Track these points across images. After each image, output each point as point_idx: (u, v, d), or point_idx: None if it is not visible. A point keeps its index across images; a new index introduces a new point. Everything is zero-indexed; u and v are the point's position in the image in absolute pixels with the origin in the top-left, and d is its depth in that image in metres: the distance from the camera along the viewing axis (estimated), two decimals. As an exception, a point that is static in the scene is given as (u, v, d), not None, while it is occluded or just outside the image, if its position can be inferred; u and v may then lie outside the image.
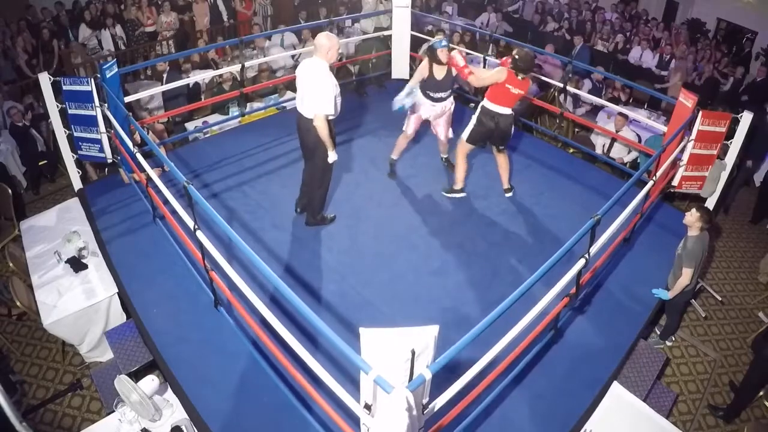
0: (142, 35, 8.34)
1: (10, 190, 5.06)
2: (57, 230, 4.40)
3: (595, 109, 7.02)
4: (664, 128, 5.19)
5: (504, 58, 4.43)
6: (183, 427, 2.94)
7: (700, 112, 4.34)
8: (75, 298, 3.83)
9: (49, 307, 3.75)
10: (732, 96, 7.62)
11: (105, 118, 4.53)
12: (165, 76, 6.53)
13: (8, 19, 7.74)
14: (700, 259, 3.71)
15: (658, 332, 4.39)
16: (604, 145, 6.09)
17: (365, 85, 6.91)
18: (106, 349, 3.90)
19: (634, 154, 6.00)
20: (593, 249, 3.12)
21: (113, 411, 3.04)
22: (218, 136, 5.94)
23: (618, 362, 3.46)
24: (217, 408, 3.09)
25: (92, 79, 4.38)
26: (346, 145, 5.50)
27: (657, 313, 4.04)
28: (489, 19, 9.91)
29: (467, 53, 6.85)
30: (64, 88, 4.46)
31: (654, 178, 4.08)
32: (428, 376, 2.00)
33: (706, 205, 4.19)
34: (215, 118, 6.33)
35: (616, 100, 6.86)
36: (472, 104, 5.81)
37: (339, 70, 6.61)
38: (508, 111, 4.36)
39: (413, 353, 1.91)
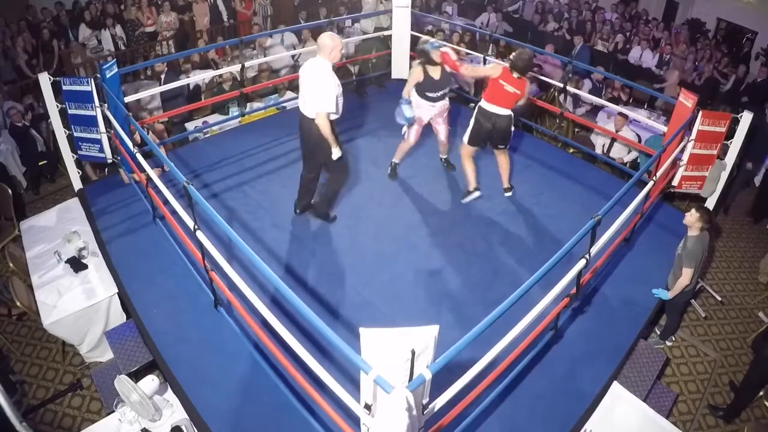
0: (142, 35, 8.34)
1: (10, 190, 5.06)
2: (57, 230, 4.39)
3: (595, 109, 7.02)
4: (664, 128, 5.19)
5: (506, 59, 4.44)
6: (183, 427, 2.94)
7: (700, 112, 4.34)
8: (75, 298, 3.83)
9: (49, 307, 3.75)
10: (732, 96, 7.62)
11: (105, 118, 4.53)
12: (163, 76, 6.53)
13: (8, 19, 7.74)
14: (700, 259, 3.71)
15: (658, 332, 4.39)
16: (604, 145, 6.09)
17: (365, 85, 6.91)
18: (106, 349, 3.90)
19: (634, 154, 6.00)
20: (594, 249, 3.12)
21: (113, 411, 3.04)
22: (218, 136, 5.94)
23: (618, 362, 3.46)
24: (217, 408, 3.10)
25: (92, 79, 4.38)
26: (346, 145, 5.48)
27: (657, 313, 4.04)
28: (489, 19, 9.91)
29: (467, 53, 6.87)
30: (64, 88, 4.46)
31: (654, 178, 4.08)
32: (428, 376, 2.00)
33: (706, 205, 4.19)
34: (215, 118, 6.33)
35: (616, 100, 6.86)
36: (472, 104, 5.81)
37: (339, 70, 6.59)
38: (505, 111, 4.33)
39: (413, 353, 1.91)
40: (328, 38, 3.75)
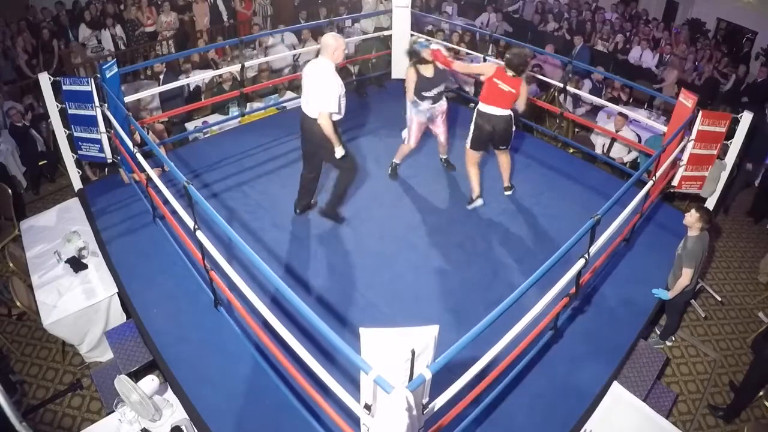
0: (142, 35, 8.34)
1: (10, 190, 5.07)
2: (57, 230, 4.39)
3: (595, 109, 7.02)
4: (664, 128, 5.19)
5: None
6: (183, 427, 2.94)
7: (700, 112, 4.34)
8: (75, 298, 3.83)
9: (49, 307, 3.75)
10: (732, 96, 7.62)
11: (105, 118, 4.53)
12: (162, 77, 6.53)
13: (8, 19, 7.74)
14: (700, 259, 3.71)
15: (658, 332, 4.39)
16: (603, 145, 6.09)
17: (365, 85, 6.91)
18: (106, 349, 3.90)
19: (634, 154, 6.00)
20: (593, 249, 3.12)
21: (113, 411, 3.04)
22: (218, 136, 5.94)
23: (618, 362, 3.46)
24: (217, 408, 3.10)
25: (92, 79, 4.38)
26: (347, 145, 5.48)
27: (657, 313, 4.04)
28: (489, 19, 9.91)
29: (467, 53, 6.87)
30: (64, 88, 4.46)
31: (654, 178, 4.07)
32: (428, 376, 2.00)
33: (706, 205, 4.19)
34: (215, 118, 6.34)
35: (616, 100, 6.86)
36: (472, 104, 5.81)
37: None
38: (503, 112, 4.29)
39: (413, 353, 1.91)
40: (331, 38, 3.76)
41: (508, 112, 4.31)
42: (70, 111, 4.56)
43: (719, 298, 4.91)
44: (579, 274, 3.15)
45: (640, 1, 10.89)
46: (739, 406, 3.89)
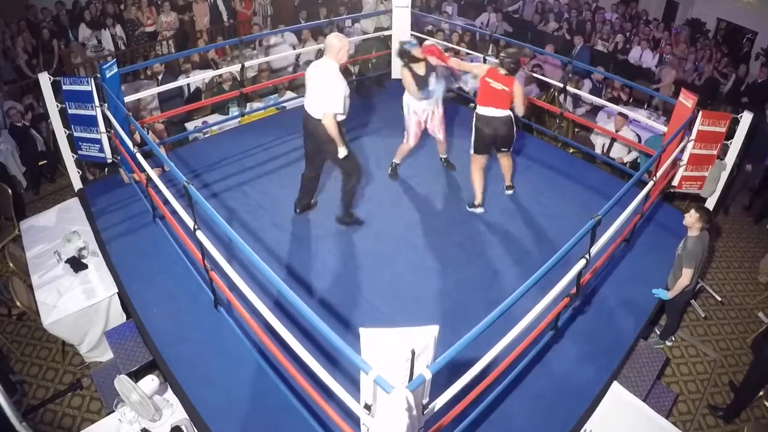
0: (142, 35, 8.34)
1: (10, 190, 5.06)
2: (57, 230, 4.39)
3: (595, 109, 7.02)
4: (664, 128, 5.19)
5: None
6: (183, 427, 2.94)
7: (700, 112, 4.34)
8: (75, 298, 3.83)
9: (49, 307, 3.75)
10: (732, 96, 7.62)
11: (105, 118, 4.53)
12: (160, 77, 6.53)
13: (8, 19, 7.74)
14: (700, 259, 3.71)
15: (658, 332, 4.39)
16: (604, 145, 6.09)
17: (365, 85, 6.91)
18: (106, 349, 3.90)
19: (634, 154, 6.00)
20: (594, 249, 3.12)
21: (113, 411, 3.04)
22: (218, 136, 5.94)
23: (618, 362, 3.46)
24: (217, 408, 3.09)
25: (92, 79, 4.38)
26: (350, 145, 5.48)
27: (657, 313, 4.04)
28: (489, 19, 9.91)
29: (467, 53, 6.87)
30: (64, 88, 4.46)
31: (654, 178, 4.07)
32: (428, 376, 2.00)
33: (705, 205, 4.19)
34: (215, 118, 6.33)
35: (616, 100, 6.86)
36: (472, 104, 5.81)
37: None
38: (501, 113, 4.27)
39: (413, 353, 1.91)
40: (335, 39, 3.75)
41: (506, 112, 4.28)
42: (70, 111, 4.56)
43: (719, 298, 4.91)
44: (580, 275, 3.15)
45: (640, 1, 10.89)
46: (739, 406, 3.89)
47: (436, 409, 2.28)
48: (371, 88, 6.90)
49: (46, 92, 4.37)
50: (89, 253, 4.16)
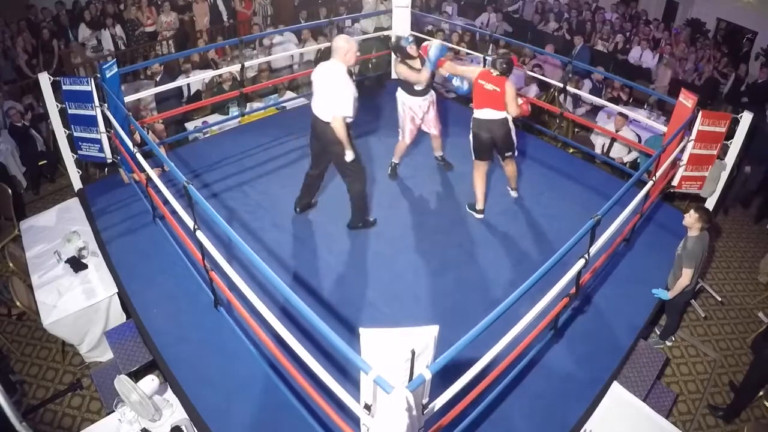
0: (142, 35, 8.34)
1: (10, 190, 5.06)
2: (57, 230, 4.39)
3: (595, 109, 7.02)
4: (664, 128, 5.19)
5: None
6: (183, 427, 2.94)
7: (700, 112, 4.34)
8: (75, 298, 3.83)
9: (49, 307, 3.75)
10: (732, 96, 7.62)
11: (105, 117, 4.53)
12: (158, 78, 6.52)
13: (8, 19, 7.74)
14: (700, 259, 3.71)
15: (658, 332, 4.39)
16: (603, 145, 6.09)
17: (365, 85, 6.90)
18: (106, 349, 3.90)
19: (634, 154, 6.00)
20: (593, 249, 3.12)
21: (113, 411, 3.04)
22: (218, 136, 5.94)
23: (618, 362, 3.46)
24: (217, 408, 3.10)
25: (92, 79, 4.38)
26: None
27: (657, 313, 4.04)
28: (489, 19, 9.91)
29: (467, 53, 6.87)
30: (64, 88, 4.46)
31: (654, 178, 4.07)
32: (428, 376, 2.00)
33: (705, 206, 4.19)
34: (215, 118, 6.33)
35: (616, 100, 6.86)
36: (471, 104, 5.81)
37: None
38: (497, 115, 4.21)
39: (413, 353, 1.91)
40: (343, 41, 3.73)
41: (502, 114, 4.22)
42: (70, 111, 4.56)
43: (719, 298, 4.91)
44: (579, 274, 3.16)
45: (640, 1, 10.89)
46: (739, 406, 3.89)
47: (436, 409, 2.28)
48: (370, 88, 6.90)
49: (46, 92, 4.37)
50: (89, 253, 4.16)
